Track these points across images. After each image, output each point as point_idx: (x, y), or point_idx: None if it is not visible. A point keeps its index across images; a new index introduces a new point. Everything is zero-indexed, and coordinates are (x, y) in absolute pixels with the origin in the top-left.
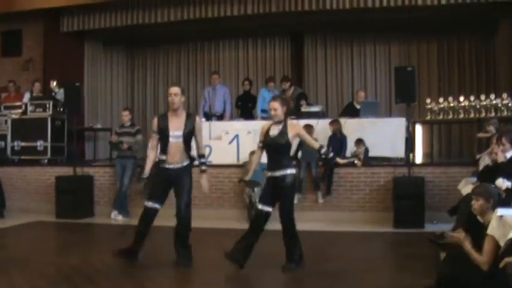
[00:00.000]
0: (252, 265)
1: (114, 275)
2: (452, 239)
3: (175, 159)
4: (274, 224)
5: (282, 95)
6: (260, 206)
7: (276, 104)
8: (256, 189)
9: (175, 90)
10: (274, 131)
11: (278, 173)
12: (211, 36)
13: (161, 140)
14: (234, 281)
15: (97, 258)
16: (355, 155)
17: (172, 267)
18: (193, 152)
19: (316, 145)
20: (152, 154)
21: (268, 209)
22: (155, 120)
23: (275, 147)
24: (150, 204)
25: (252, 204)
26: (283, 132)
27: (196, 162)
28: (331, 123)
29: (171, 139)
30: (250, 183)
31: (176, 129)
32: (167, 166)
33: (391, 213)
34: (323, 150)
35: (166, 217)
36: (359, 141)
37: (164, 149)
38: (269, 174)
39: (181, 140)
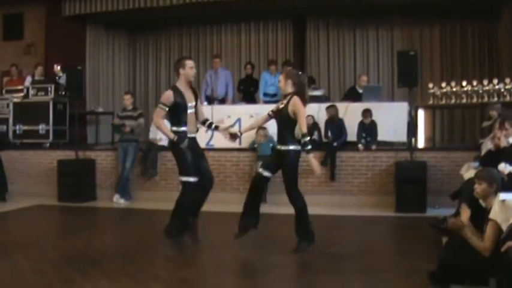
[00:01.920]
0: (254, 248)
1: (117, 258)
2: (453, 226)
3: (193, 129)
4: (282, 209)
5: (291, 69)
6: (260, 170)
7: (281, 77)
8: None
9: (193, 63)
10: (282, 104)
11: (281, 147)
12: (213, 20)
13: (176, 112)
14: (238, 264)
15: (100, 242)
16: (362, 131)
17: (175, 251)
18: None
19: (303, 129)
20: (164, 124)
21: (268, 174)
22: (171, 94)
23: (278, 120)
24: (193, 179)
25: None
26: (285, 106)
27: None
28: (327, 109)
29: (189, 110)
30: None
31: (189, 101)
32: (190, 135)
33: (393, 197)
34: (304, 139)
35: (171, 200)
36: (366, 112)
37: (184, 121)
38: (277, 147)
39: (193, 110)
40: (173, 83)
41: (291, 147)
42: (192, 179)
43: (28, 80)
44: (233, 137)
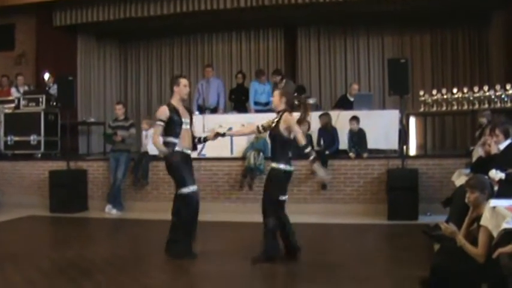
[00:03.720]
0: (246, 258)
1: (109, 269)
2: (446, 231)
3: (188, 145)
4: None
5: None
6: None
7: (275, 93)
8: (261, 154)
9: (187, 82)
10: (273, 122)
11: (273, 165)
12: (204, 29)
13: (171, 126)
14: (230, 273)
15: (92, 252)
16: (351, 139)
17: (168, 261)
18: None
19: (302, 142)
20: (160, 142)
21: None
22: (165, 108)
23: (271, 138)
24: (194, 188)
25: (253, 166)
26: (277, 123)
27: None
28: (321, 117)
29: (184, 125)
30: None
31: (185, 117)
32: (186, 151)
33: (385, 205)
34: (306, 150)
35: (162, 211)
36: (354, 118)
37: (177, 133)
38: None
39: (189, 127)
40: (168, 100)
41: (281, 166)
42: (192, 188)
43: (13, 91)
44: (217, 135)
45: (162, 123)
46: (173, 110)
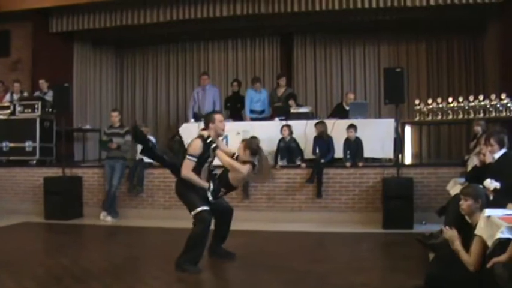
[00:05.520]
0: (240, 266)
1: (104, 276)
2: (445, 235)
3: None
4: (267, 226)
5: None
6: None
7: (240, 146)
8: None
9: (222, 117)
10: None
11: None
12: (200, 37)
13: (195, 166)
14: (225, 282)
15: (87, 259)
16: (347, 148)
17: (163, 269)
18: None
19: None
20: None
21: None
22: (199, 144)
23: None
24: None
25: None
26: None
27: None
28: (316, 125)
29: (205, 164)
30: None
31: (212, 156)
32: None
33: (380, 213)
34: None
35: (157, 218)
36: (351, 126)
37: (198, 174)
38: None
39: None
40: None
41: None
42: (202, 208)
43: (7, 98)
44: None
45: (194, 159)
46: (206, 147)
